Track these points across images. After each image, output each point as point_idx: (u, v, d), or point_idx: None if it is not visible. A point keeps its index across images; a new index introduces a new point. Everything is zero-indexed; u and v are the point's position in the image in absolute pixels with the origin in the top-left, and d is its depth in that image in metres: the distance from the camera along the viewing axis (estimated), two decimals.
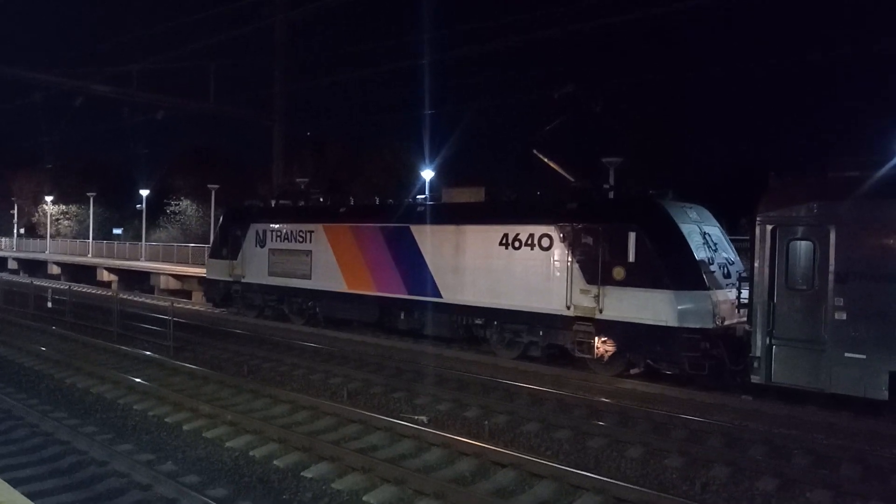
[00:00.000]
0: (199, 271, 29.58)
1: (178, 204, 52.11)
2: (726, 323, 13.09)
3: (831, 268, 11.03)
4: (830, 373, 10.97)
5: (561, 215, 15.03)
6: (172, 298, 25.95)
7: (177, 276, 33.70)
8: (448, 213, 17.56)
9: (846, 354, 10.80)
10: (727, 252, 14.63)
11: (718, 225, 15.17)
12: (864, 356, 10.65)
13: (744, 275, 13.42)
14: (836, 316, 10.93)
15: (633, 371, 14.43)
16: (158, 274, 34.47)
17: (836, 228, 11.03)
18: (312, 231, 20.45)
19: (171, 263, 37.97)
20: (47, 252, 52.97)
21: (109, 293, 30.50)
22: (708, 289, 13.20)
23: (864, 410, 11.09)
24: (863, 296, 10.73)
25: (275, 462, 8.53)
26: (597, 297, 14.16)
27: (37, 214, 64.19)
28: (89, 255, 47.34)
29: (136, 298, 29.65)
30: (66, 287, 26.60)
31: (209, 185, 38.44)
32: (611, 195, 16.09)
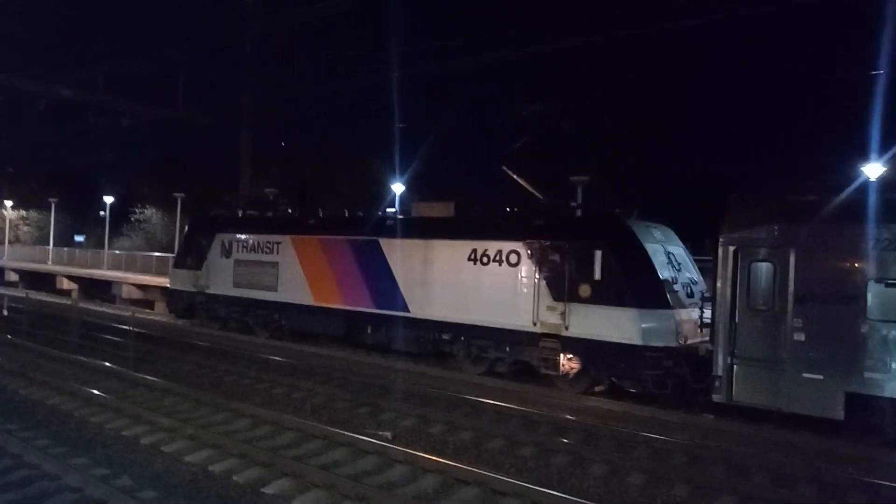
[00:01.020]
0: (163, 281, 29.07)
1: (143, 212, 51.25)
2: (689, 342, 13.27)
3: (791, 289, 11.27)
4: (789, 392, 11.18)
5: (529, 232, 15.13)
6: (134, 308, 25.46)
7: (139, 286, 33.06)
8: (417, 228, 17.56)
9: (804, 375, 11.03)
10: (691, 272, 14.87)
11: (682, 245, 15.43)
12: (821, 377, 10.88)
13: (707, 295, 13.64)
14: (795, 337, 11.17)
15: (597, 388, 14.54)
16: (121, 283, 33.79)
17: (795, 251, 11.29)
18: (280, 242, 20.26)
19: (134, 272, 37.22)
20: (5, 258, 51.53)
21: (69, 302, 29.78)
22: (671, 308, 13.40)
23: (821, 430, 11.31)
24: (820, 317, 10.98)
25: (234, 478, 8.37)
26: (563, 314, 14.25)
27: None
28: (49, 263, 46.20)
29: (96, 308, 29.00)
30: (24, 295, 25.91)
31: (175, 194, 37.89)
32: (578, 213, 16.26)
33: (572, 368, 14.32)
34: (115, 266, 40.59)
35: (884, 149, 18.88)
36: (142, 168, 53.95)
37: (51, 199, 49.45)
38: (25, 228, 60.94)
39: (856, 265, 10.85)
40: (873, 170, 18.09)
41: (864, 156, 18.95)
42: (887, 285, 10.56)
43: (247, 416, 11.22)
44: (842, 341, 10.76)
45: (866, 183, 14.55)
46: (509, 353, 15.38)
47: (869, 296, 10.63)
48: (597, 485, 8.81)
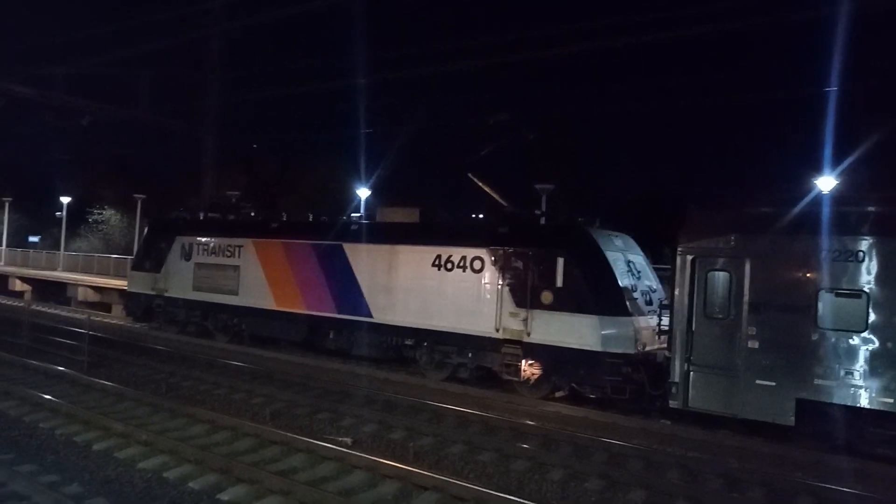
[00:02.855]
0: (121, 283, 28.47)
1: (102, 213, 50.09)
2: (647, 349, 13.48)
3: (746, 298, 11.53)
4: (743, 399, 11.42)
5: (493, 239, 15.22)
6: (90, 311, 24.86)
7: (96, 288, 32.31)
8: (382, 233, 17.52)
9: (757, 381, 11.29)
10: (650, 280, 15.12)
11: (642, 253, 15.67)
12: (773, 383, 11.15)
13: (665, 302, 13.88)
14: (749, 344, 11.42)
15: (557, 394, 14.66)
16: (76, 285, 32.98)
17: (750, 261, 11.57)
18: (241, 246, 20.02)
19: (91, 274, 36.37)
20: None
21: (21, 304, 28.95)
22: (631, 315, 13.60)
23: (773, 436, 11.57)
24: (773, 326, 11.26)
25: (189, 484, 8.23)
26: (525, 321, 14.35)
27: None
28: (1, 264, 44.86)
29: (50, 310, 28.23)
30: None
31: (135, 195, 37.16)
32: (542, 221, 16.41)
33: (533, 374, 14.42)
34: (71, 268, 39.61)
35: (836, 163, 19.51)
36: (101, 168, 52.51)
37: (4, 199, 48.03)
38: None
39: (807, 275, 11.15)
40: (826, 183, 18.65)
41: (816, 169, 19.57)
42: (837, 295, 10.88)
43: (204, 422, 11.05)
44: (793, 349, 11.04)
45: (819, 196, 14.99)
46: (472, 359, 15.42)
47: (819, 305, 10.93)
48: (555, 490, 8.88)
